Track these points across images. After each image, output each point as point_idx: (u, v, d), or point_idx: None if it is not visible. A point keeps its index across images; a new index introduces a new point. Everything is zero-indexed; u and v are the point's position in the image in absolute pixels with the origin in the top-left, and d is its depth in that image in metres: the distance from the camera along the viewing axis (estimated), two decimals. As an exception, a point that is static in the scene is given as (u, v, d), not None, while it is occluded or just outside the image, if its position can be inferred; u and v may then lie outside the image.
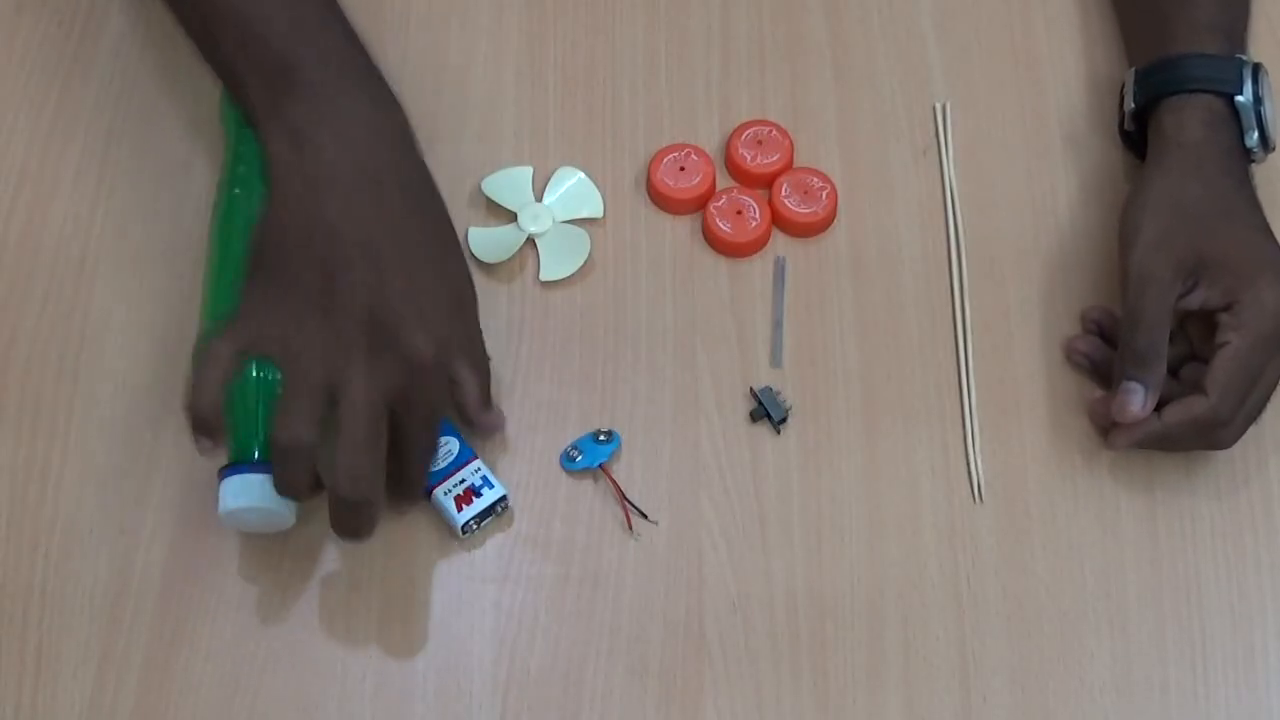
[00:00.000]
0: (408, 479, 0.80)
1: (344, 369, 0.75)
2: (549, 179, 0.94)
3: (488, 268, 0.91)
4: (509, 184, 0.93)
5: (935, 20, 1.01)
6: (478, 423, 0.82)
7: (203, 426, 0.76)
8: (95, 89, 0.96)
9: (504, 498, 0.83)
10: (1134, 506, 0.86)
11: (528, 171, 0.94)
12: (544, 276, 0.91)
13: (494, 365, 0.88)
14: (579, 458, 0.85)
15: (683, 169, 0.94)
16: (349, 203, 0.78)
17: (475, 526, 0.83)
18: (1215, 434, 0.84)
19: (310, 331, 0.76)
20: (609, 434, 0.86)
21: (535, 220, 0.92)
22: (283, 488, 0.77)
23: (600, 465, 0.85)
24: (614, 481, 0.85)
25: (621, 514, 0.84)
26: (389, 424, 0.77)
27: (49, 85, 0.96)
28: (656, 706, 0.80)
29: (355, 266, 0.76)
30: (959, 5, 1.01)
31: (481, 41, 0.99)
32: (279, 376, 0.81)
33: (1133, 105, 0.91)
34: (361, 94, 0.81)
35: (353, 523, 0.77)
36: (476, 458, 0.84)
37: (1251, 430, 0.85)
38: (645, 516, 0.84)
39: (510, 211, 0.92)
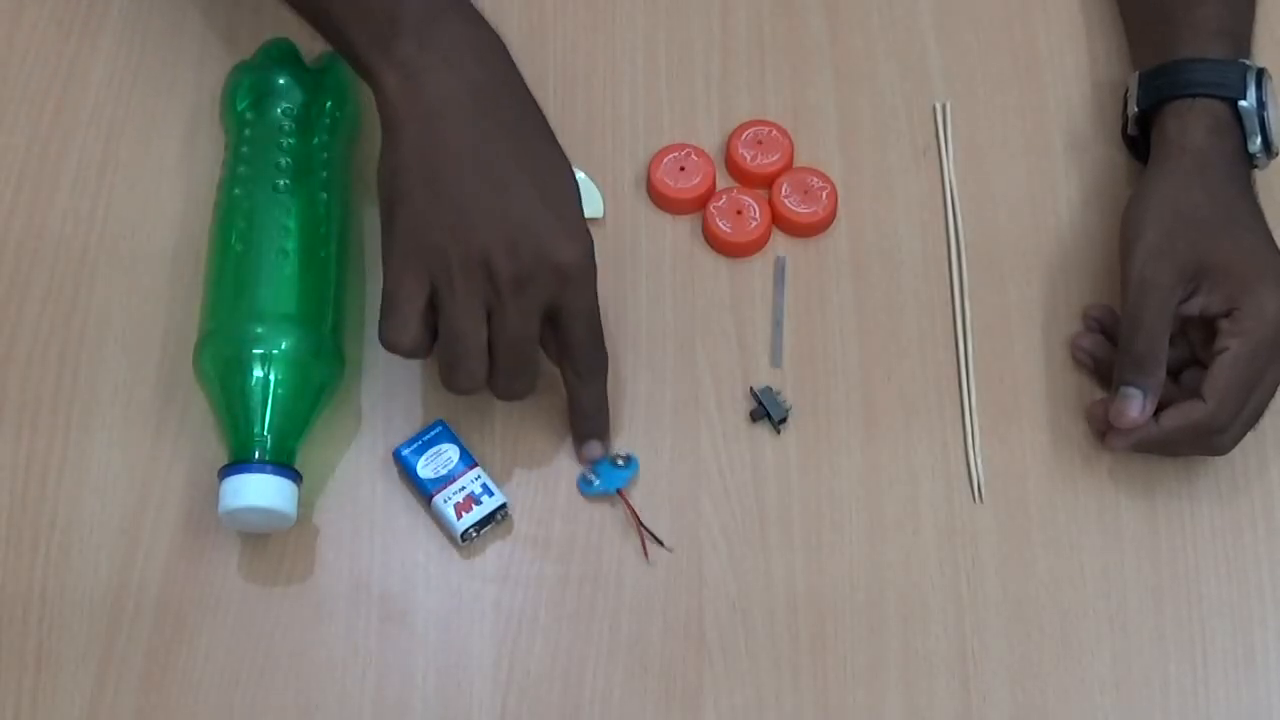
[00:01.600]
0: (587, 376, 0.83)
1: (493, 301, 0.77)
2: (549, 179, 0.94)
3: (488, 268, 0.91)
4: (509, 184, 0.93)
5: (935, 20, 1.01)
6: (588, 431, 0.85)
7: (413, 353, 0.79)
8: (95, 89, 0.96)
9: (504, 506, 0.83)
10: (1134, 506, 0.86)
11: (528, 171, 0.94)
12: (544, 276, 0.91)
13: (494, 365, 0.88)
14: (596, 482, 0.85)
15: (683, 169, 0.94)
16: (468, 128, 0.79)
17: (475, 534, 0.83)
18: (1213, 439, 0.84)
19: (454, 268, 0.77)
20: (627, 459, 0.85)
21: (535, 220, 0.92)
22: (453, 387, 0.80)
23: (618, 490, 0.84)
24: (631, 508, 0.84)
25: (628, 522, 0.84)
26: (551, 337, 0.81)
27: (49, 85, 0.96)
28: (656, 706, 0.80)
29: (486, 194, 0.77)
30: (959, 5, 1.01)
31: (481, 41, 0.99)
32: (281, 377, 0.81)
33: (1136, 109, 0.91)
34: (463, 22, 0.82)
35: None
36: (476, 465, 0.84)
37: (1251, 433, 0.85)
38: (661, 544, 0.83)
39: (510, 211, 0.92)
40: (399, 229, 0.78)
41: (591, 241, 0.79)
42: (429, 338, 0.79)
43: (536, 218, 0.78)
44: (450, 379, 0.79)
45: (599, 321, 0.82)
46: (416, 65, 0.79)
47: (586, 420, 0.84)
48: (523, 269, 0.77)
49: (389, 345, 0.78)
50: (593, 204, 0.93)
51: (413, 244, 0.78)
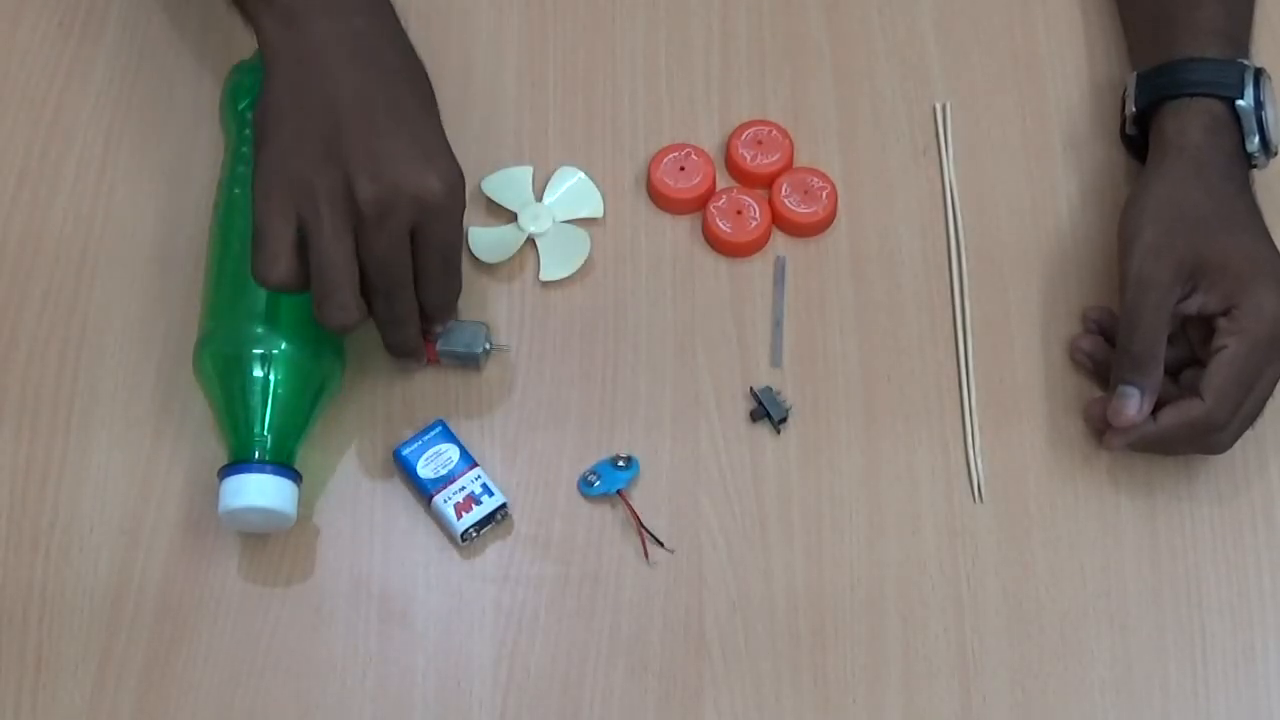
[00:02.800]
0: (438, 307, 0.83)
1: (359, 227, 0.77)
2: (549, 179, 0.94)
3: (488, 268, 0.91)
4: (509, 184, 0.93)
5: (935, 20, 1.01)
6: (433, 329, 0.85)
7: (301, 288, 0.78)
8: (95, 89, 0.96)
9: (504, 505, 0.83)
10: (1134, 506, 0.86)
11: (528, 171, 0.94)
12: (544, 276, 0.91)
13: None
14: (597, 483, 0.85)
15: (683, 169, 0.94)
16: (344, 72, 0.79)
17: (475, 534, 0.83)
18: (1211, 438, 0.84)
19: (320, 197, 0.77)
20: (628, 460, 0.85)
21: (535, 220, 0.92)
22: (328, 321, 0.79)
23: (618, 491, 0.84)
24: (632, 510, 0.84)
25: (631, 527, 0.84)
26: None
27: (49, 85, 0.96)
28: (656, 706, 0.80)
29: (353, 129, 0.78)
30: (959, 5, 1.01)
31: (481, 41, 0.99)
32: (281, 377, 0.81)
33: (1133, 109, 0.91)
34: None
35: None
36: (476, 465, 0.84)
37: (1250, 432, 0.85)
38: (661, 544, 0.83)
39: (510, 211, 0.92)
40: (266, 164, 0.78)
41: (460, 180, 0.79)
42: (302, 271, 0.78)
43: (402, 151, 0.78)
44: (323, 309, 0.78)
45: (457, 257, 0.81)
46: (296, 10, 0.80)
47: (431, 322, 0.85)
48: (384, 194, 0.77)
49: (261, 280, 0.78)
50: (593, 204, 0.93)
51: (279, 178, 0.77)
